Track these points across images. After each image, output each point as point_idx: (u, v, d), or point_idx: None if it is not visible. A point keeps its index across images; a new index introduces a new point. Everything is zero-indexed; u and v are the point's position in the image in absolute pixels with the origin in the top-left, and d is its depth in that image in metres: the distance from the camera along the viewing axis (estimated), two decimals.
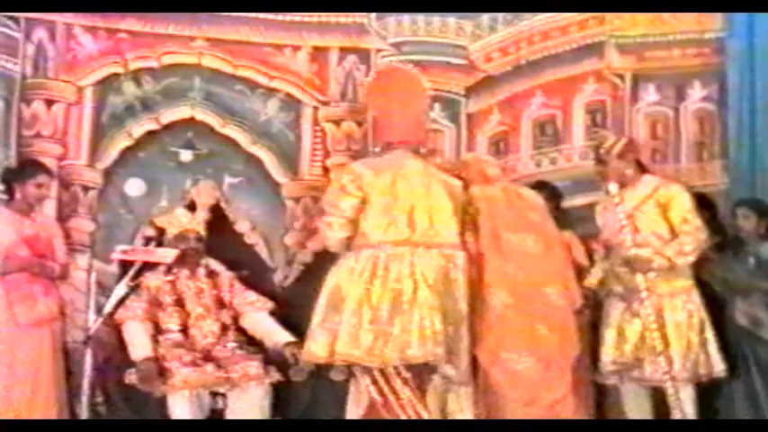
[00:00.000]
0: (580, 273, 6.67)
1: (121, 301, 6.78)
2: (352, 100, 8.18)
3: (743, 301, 6.71)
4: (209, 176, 7.90)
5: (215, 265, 7.37)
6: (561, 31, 8.05)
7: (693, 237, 6.49)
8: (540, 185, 7.05)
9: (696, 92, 7.62)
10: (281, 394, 6.97)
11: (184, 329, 7.03)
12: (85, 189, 7.80)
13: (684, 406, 6.40)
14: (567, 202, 7.47)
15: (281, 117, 8.12)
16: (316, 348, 5.86)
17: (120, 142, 7.90)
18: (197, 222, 7.36)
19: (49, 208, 7.52)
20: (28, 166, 7.22)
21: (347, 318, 5.72)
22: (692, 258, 6.51)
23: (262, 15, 8.15)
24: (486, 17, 8.32)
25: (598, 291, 6.74)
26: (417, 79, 6.41)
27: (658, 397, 6.53)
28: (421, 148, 6.16)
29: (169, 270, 7.11)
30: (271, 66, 8.16)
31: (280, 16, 8.18)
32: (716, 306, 6.71)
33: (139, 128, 7.92)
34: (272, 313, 7.25)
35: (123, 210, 7.85)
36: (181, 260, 7.03)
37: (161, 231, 7.39)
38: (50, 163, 7.51)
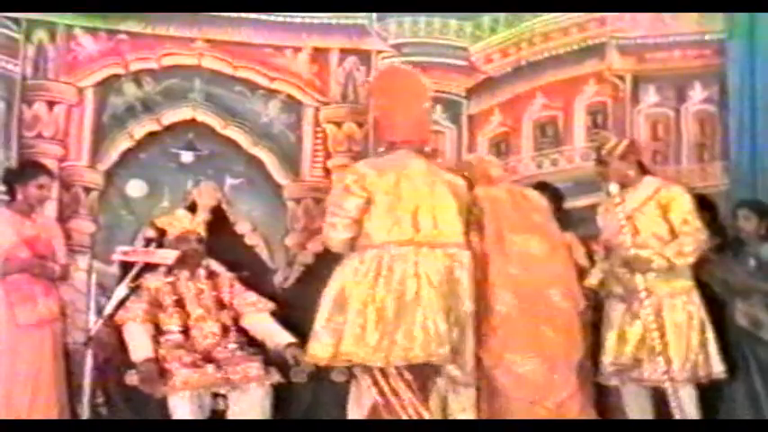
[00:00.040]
0: (581, 274, 6.66)
1: (122, 303, 6.79)
2: (352, 101, 8.18)
3: (743, 302, 6.70)
4: (210, 178, 7.90)
5: (216, 266, 7.37)
6: (562, 32, 8.05)
7: (693, 238, 6.49)
8: (541, 187, 7.05)
9: (697, 93, 7.61)
10: (281, 395, 6.97)
11: (185, 330, 7.03)
12: (86, 190, 7.80)
13: (685, 406, 6.40)
14: (568, 204, 7.46)
15: (282, 118, 8.12)
16: (319, 349, 5.86)
17: (121, 143, 7.91)
18: (198, 223, 7.36)
19: (50, 209, 7.52)
20: (29, 168, 7.23)
21: (352, 318, 5.73)
22: (691, 259, 6.51)
23: (263, 17, 8.16)
24: (486, 18, 8.32)
25: (598, 291, 6.73)
26: (419, 79, 6.42)
27: (659, 398, 6.53)
28: (425, 147, 6.18)
29: (170, 271, 7.11)
30: (271, 67, 8.16)
31: (280, 17, 8.18)
32: (716, 307, 6.70)
33: (140, 129, 7.92)
34: (273, 314, 7.25)
35: (124, 211, 7.85)
36: (181, 261, 7.03)
37: (162, 232, 7.38)
38: (51, 164, 7.52)
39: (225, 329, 7.10)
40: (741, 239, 6.85)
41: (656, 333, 6.38)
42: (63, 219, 7.62)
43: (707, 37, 7.63)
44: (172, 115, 7.97)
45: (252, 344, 7.12)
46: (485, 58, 8.34)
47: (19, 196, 7.02)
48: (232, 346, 7.03)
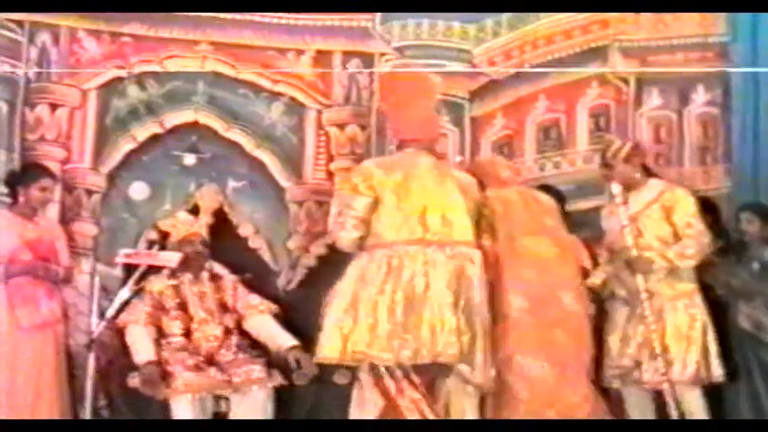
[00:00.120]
0: (584, 277, 6.66)
1: (125, 305, 6.81)
2: (355, 103, 8.16)
3: (746, 304, 6.70)
4: (212, 180, 7.87)
5: (218, 268, 7.37)
6: (565, 35, 8.04)
7: (696, 240, 6.50)
8: (544, 189, 7.04)
9: (699, 96, 7.60)
10: (283, 398, 6.97)
11: (187, 333, 7.04)
12: (89, 193, 7.78)
13: (693, 410, 6.43)
14: (571, 206, 7.45)
15: (285, 121, 8.10)
16: (330, 348, 5.88)
17: (124, 146, 7.88)
18: (200, 226, 7.37)
19: (53, 211, 7.52)
20: (31, 170, 7.24)
21: (362, 317, 5.77)
22: (693, 262, 6.52)
23: (266, 19, 8.14)
24: (489, 21, 8.30)
25: (600, 291, 6.71)
26: (427, 78, 6.44)
27: (661, 401, 6.52)
28: (433, 145, 6.19)
29: (173, 274, 7.12)
30: (274, 70, 8.15)
31: (283, 20, 8.17)
32: (719, 310, 6.70)
33: (143, 131, 7.89)
34: (276, 317, 7.26)
35: (127, 213, 7.83)
36: (184, 264, 7.04)
37: (164, 235, 7.40)
38: (54, 166, 7.52)
39: (227, 332, 7.11)
40: (744, 242, 6.85)
41: (656, 335, 6.38)
42: (65, 221, 7.60)
43: (710, 39, 7.62)
44: (174, 118, 7.94)
45: (254, 346, 7.13)
46: (488, 61, 8.32)
47: (21, 199, 7.03)
48: (234, 348, 7.03)
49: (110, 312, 6.63)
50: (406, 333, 5.70)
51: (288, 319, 7.28)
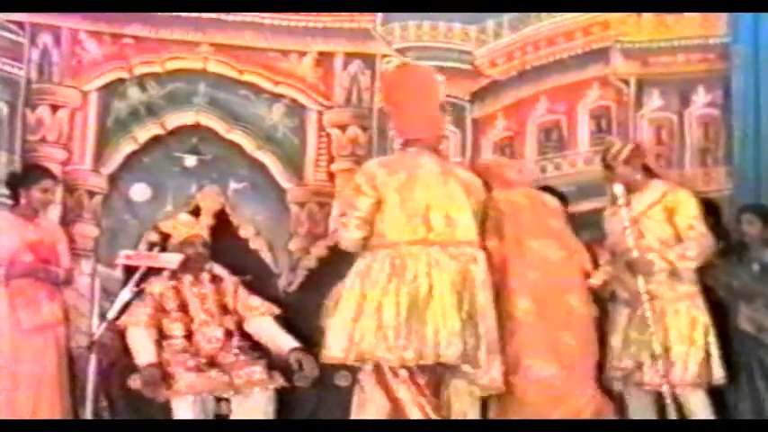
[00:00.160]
0: (585, 278, 6.66)
1: (126, 307, 6.81)
2: (356, 105, 8.17)
3: (747, 306, 6.69)
4: (214, 182, 7.89)
5: (219, 270, 7.38)
6: (566, 36, 8.04)
7: (698, 243, 6.49)
8: (546, 191, 7.04)
9: (700, 97, 7.60)
10: (285, 400, 6.97)
11: (188, 335, 7.03)
12: (90, 194, 7.80)
13: (699, 412, 6.43)
14: (572, 208, 7.42)
15: (286, 122, 8.10)
16: (335, 348, 5.87)
17: (125, 147, 7.90)
18: (201, 228, 7.38)
19: (54, 213, 7.51)
20: (33, 171, 7.23)
21: (367, 318, 5.75)
22: (694, 264, 6.51)
23: (267, 21, 8.15)
24: (491, 22, 8.30)
25: (601, 292, 6.70)
26: (432, 76, 6.43)
27: (662, 403, 6.51)
28: (438, 145, 6.19)
29: (173, 275, 7.11)
30: (276, 71, 8.14)
31: (285, 21, 8.18)
32: (720, 311, 6.69)
33: (144, 133, 7.91)
34: (277, 318, 7.26)
35: (128, 215, 7.84)
36: (185, 265, 7.05)
37: (165, 237, 7.41)
38: (55, 168, 7.52)
39: (228, 334, 7.10)
40: (745, 244, 6.84)
41: (656, 337, 6.38)
42: (67, 223, 7.61)
43: (711, 41, 7.62)
44: (176, 119, 7.95)
45: (255, 348, 7.12)
46: (489, 62, 8.33)
47: (23, 200, 7.02)
48: (235, 350, 7.04)
49: (111, 314, 6.65)
50: (409, 334, 5.70)
51: (289, 321, 7.28)
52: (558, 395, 6.04)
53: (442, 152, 6.24)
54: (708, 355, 6.47)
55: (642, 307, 6.44)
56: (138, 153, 7.92)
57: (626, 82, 7.81)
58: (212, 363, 6.91)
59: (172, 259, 6.91)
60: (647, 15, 7.75)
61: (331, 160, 8.11)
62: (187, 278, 7.15)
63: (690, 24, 7.70)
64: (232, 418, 6.83)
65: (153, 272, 6.98)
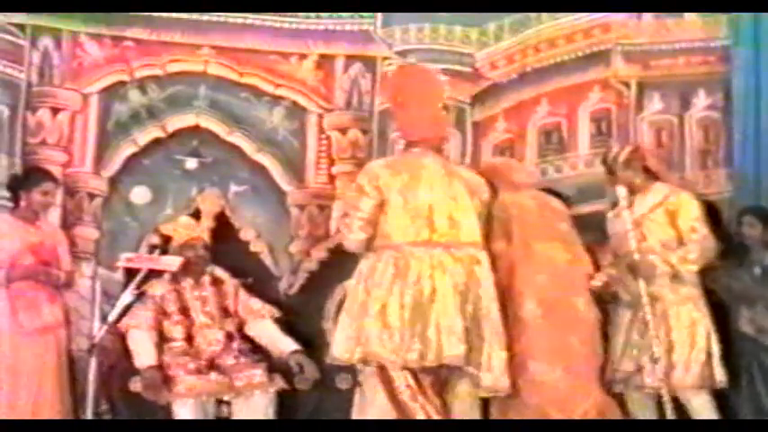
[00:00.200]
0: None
1: (126, 310, 6.81)
2: (357, 108, 8.16)
3: (748, 309, 6.67)
4: (214, 184, 7.88)
5: (220, 272, 7.38)
6: (567, 39, 8.02)
7: (700, 245, 6.50)
8: (546, 193, 7.04)
9: (701, 100, 7.57)
10: (285, 402, 6.98)
11: (189, 338, 7.05)
12: (90, 197, 7.79)
13: (701, 414, 6.43)
14: (573, 210, 7.37)
15: (287, 125, 8.10)
16: (340, 349, 5.89)
17: (126, 150, 7.89)
18: (202, 230, 7.39)
19: (54, 216, 7.52)
20: (33, 174, 7.24)
21: (371, 319, 5.77)
22: (696, 267, 6.51)
23: (267, 23, 8.15)
24: (492, 25, 8.29)
25: (602, 294, 6.69)
26: (435, 77, 6.43)
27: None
28: (441, 145, 6.19)
29: (174, 278, 7.12)
30: (276, 73, 8.14)
31: (285, 24, 8.17)
32: (721, 314, 6.69)
33: (145, 136, 7.90)
34: (277, 321, 7.27)
35: (128, 217, 7.83)
36: (186, 268, 7.06)
37: (166, 239, 7.42)
38: (55, 170, 7.53)
39: (229, 336, 7.11)
40: (745, 246, 6.82)
41: (656, 340, 6.37)
42: (67, 225, 7.61)
43: (711, 44, 7.59)
44: (176, 122, 7.95)
45: (256, 351, 7.13)
46: (490, 65, 8.31)
47: (23, 203, 7.03)
48: (236, 353, 7.04)
49: (111, 317, 6.64)
50: (412, 336, 5.71)
51: (289, 324, 7.30)
52: (562, 398, 6.04)
53: (444, 152, 6.24)
54: (709, 357, 6.46)
55: (643, 310, 6.43)
56: (139, 156, 7.92)
57: (626, 85, 7.79)
58: (213, 365, 6.92)
59: (172, 262, 6.91)
60: (647, 18, 7.74)
61: (331, 163, 8.09)
62: (188, 281, 7.16)
63: (690, 27, 7.68)
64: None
65: (154, 274, 6.99)
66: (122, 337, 6.96)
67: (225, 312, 7.17)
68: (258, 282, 7.59)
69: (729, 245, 6.90)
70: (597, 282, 6.63)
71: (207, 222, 7.50)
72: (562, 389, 6.06)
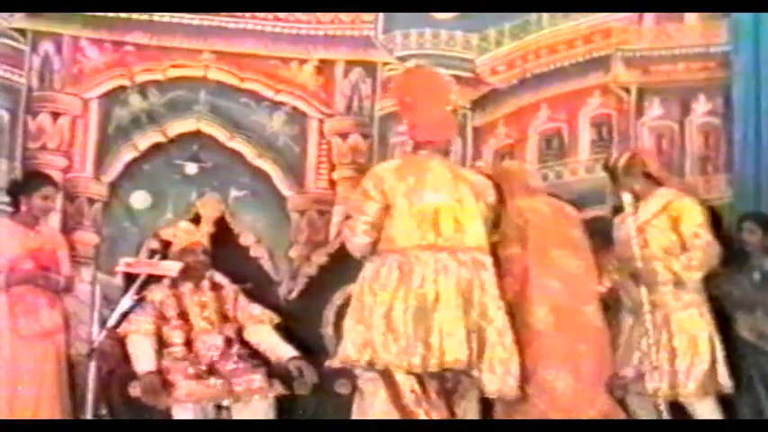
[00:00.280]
0: None
1: (126, 314, 6.78)
2: (357, 113, 8.16)
3: (748, 315, 6.67)
4: (214, 189, 7.89)
5: (220, 277, 7.37)
6: (567, 44, 8.02)
7: (703, 251, 6.47)
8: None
9: (701, 106, 7.57)
10: (284, 407, 6.97)
11: (188, 343, 7.03)
12: (90, 201, 7.81)
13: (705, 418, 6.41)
14: None
15: (287, 130, 8.11)
16: (351, 351, 5.90)
17: (126, 155, 7.91)
18: (202, 235, 7.38)
19: (54, 220, 7.53)
20: (33, 179, 7.24)
21: (377, 323, 5.76)
22: (699, 273, 6.48)
23: (268, 28, 8.17)
24: (492, 30, 8.30)
25: (606, 299, 6.69)
26: (442, 79, 6.43)
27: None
28: (448, 148, 6.20)
29: (173, 283, 7.11)
30: (277, 79, 8.15)
31: (286, 29, 8.19)
32: (721, 319, 6.68)
33: (145, 140, 7.92)
34: (277, 327, 7.26)
35: (128, 222, 7.85)
36: (185, 273, 7.04)
37: (166, 244, 7.40)
38: (56, 175, 7.54)
39: (228, 342, 7.10)
40: (745, 252, 6.81)
41: (654, 348, 6.36)
42: (67, 230, 7.62)
43: (711, 49, 7.59)
44: (177, 127, 7.96)
45: (255, 356, 7.12)
46: (490, 70, 8.32)
47: (23, 207, 7.03)
48: (235, 358, 7.03)
49: (111, 321, 6.62)
50: (416, 340, 5.71)
51: (289, 329, 7.29)
52: (567, 405, 6.05)
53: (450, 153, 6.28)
54: (713, 364, 6.45)
55: (644, 317, 6.42)
56: (139, 160, 7.93)
57: (627, 90, 7.78)
58: (212, 370, 6.90)
59: (172, 267, 6.89)
60: (647, 24, 7.74)
61: (332, 168, 8.10)
62: (187, 286, 7.15)
63: (690, 33, 7.68)
64: None
65: (153, 279, 6.97)
66: (122, 342, 6.94)
67: (224, 317, 7.16)
68: (258, 287, 7.57)
69: (730, 251, 6.89)
70: (601, 287, 6.63)
71: (207, 227, 7.49)
72: (568, 396, 6.07)
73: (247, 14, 8.11)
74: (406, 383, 5.80)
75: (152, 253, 7.45)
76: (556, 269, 6.26)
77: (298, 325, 7.42)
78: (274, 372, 6.98)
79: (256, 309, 7.27)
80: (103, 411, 6.96)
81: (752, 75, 7.34)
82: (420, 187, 5.93)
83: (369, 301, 5.85)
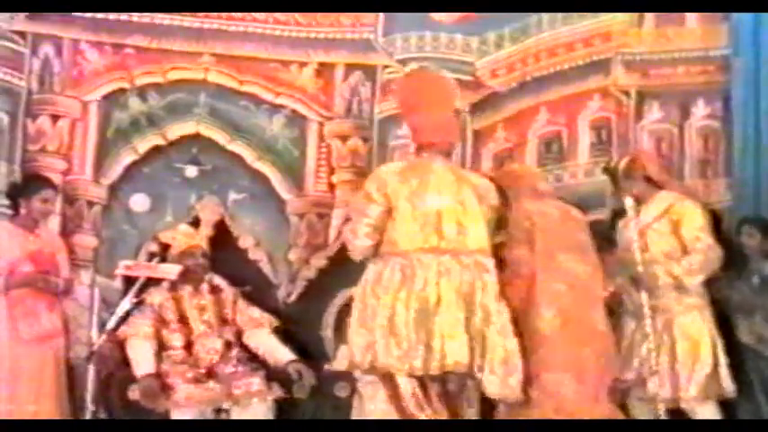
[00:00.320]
0: None
1: (125, 318, 6.80)
2: (357, 116, 8.16)
3: (747, 318, 6.66)
4: (213, 192, 7.89)
5: (219, 280, 7.37)
6: (567, 47, 8.01)
7: (704, 255, 6.47)
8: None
9: (700, 109, 7.55)
10: (284, 410, 6.97)
11: (188, 346, 7.04)
12: (90, 204, 7.79)
13: None
14: None
15: (287, 133, 8.10)
16: (354, 355, 5.88)
17: (126, 158, 7.90)
18: (201, 238, 7.39)
19: (54, 223, 7.53)
20: (33, 182, 7.25)
21: (379, 326, 5.75)
22: (700, 277, 6.49)
23: (268, 31, 8.16)
24: (492, 34, 8.29)
25: (609, 303, 6.67)
26: (446, 82, 6.43)
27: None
28: (451, 150, 6.19)
29: (173, 286, 7.12)
30: (276, 82, 8.14)
31: (286, 32, 8.19)
32: (721, 323, 6.67)
33: (145, 143, 7.91)
34: (276, 330, 7.27)
35: (127, 225, 7.84)
36: (184, 276, 7.05)
37: (165, 247, 7.41)
38: (55, 178, 7.55)
39: (228, 345, 7.11)
40: (744, 256, 6.81)
41: (654, 353, 6.36)
42: (66, 233, 7.61)
43: (711, 53, 7.58)
44: (176, 130, 7.95)
45: (254, 359, 7.12)
46: (490, 74, 8.31)
47: (23, 210, 7.04)
48: (234, 361, 7.03)
49: (110, 325, 6.62)
50: (418, 343, 5.70)
51: (288, 332, 7.30)
52: (569, 409, 6.03)
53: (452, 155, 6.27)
54: (716, 367, 6.44)
55: (644, 321, 6.42)
56: (139, 163, 7.92)
57: (626, 93, 7.77)
58: (211, 374, 6.92)
59: (171, 270, 6.90)
60: (647, 27, 7.73)
61: (331, 171, 8.10)
62: (186, 289, 7.16)
63: (690, 36, 7.67)
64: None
65: (152, 282, 6.99)
66: (121, 346, 6.95)
67: (223, 321, 7.16)
68: (257, 290, 7.59)
69: (729, 254, 6.89)
70: (604, 291, 6.63)
71: (206, 230, 7.51)
72: (572, 400, 6.05)
73: (247, 17, 8.11)
74: (408, 387, 5.79)
75: (151, 256, 7.45)
76: (563, 273, 6.24)
77: (297, 328, 7.43)
78: (273, 375, 6.98)
79: (255, 312, 7.27)
80: (102, 414, 6.97)
81: (751, 78, 7.33)
82: (423, 190, 5.92)
83: (371, 304, 5.83)
